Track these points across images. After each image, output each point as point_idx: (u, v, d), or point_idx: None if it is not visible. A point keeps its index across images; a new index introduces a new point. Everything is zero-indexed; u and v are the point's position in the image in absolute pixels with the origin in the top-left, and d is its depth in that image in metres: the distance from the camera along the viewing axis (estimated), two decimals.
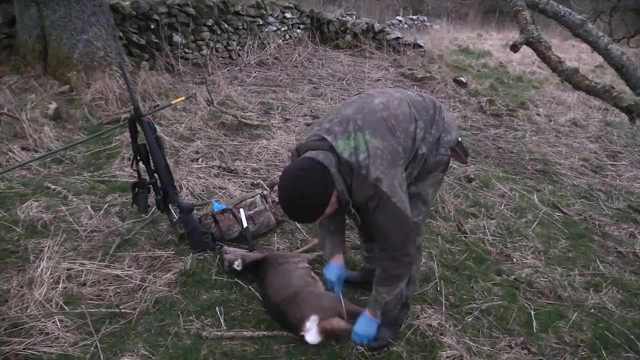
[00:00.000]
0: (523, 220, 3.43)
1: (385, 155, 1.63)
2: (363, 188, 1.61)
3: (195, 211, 2.71)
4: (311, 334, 1.94)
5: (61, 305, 2.07)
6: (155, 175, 2.56)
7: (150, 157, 2.52)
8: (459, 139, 1.90)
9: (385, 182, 1.61)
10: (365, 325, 1.87)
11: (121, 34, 5.32)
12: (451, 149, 1.86)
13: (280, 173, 2.43)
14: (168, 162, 2.59)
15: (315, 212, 1.63)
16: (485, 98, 6.59)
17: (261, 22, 7.46)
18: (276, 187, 3.34)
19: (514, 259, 2.91)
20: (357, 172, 1.61)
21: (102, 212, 2.87)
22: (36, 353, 1.83)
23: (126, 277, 2.31)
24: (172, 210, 2.69)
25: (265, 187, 3.34)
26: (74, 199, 2.97)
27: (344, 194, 1.64)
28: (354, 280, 2.41)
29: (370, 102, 1.75)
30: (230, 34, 6.93)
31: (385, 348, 2.03)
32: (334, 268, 1.96)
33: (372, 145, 1.62)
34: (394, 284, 1.79)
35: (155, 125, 2.69)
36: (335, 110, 1.78)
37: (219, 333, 2.02)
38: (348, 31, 8.71)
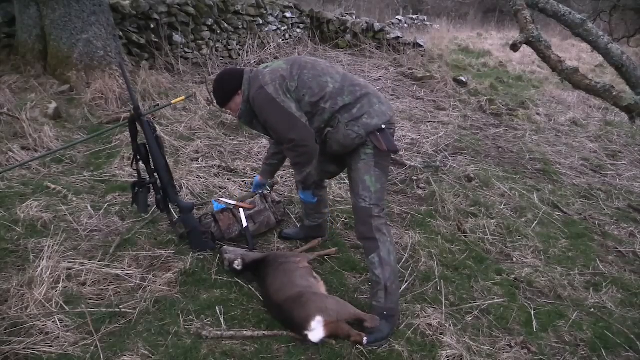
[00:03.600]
0: (523, 219, 3.43)
1: (282, 73, 2.10)
2: (252, 86, 2.15)
3: (195, 211, 2.71)
4: (316, 334, 1.96)
5: (61, 304, 2.07)
6: (155, 174, 2.56)
7: (150, 157, 2.52)
8: (383, 127, 2.10)
9: (271, 87, 2.08)
10: (302, 193, 2.42)
11: (121, 33, 5.31)
12: (368, 133, 2.08)
13: (279, 173, 2.88)
14: (168, 161, 2.58)
15: (223, 96, 2.27)
16: (485, 97, 6.59)
17: (261, 22, 7.46)
18: (276, 187, 3.36)
19: (514, 259, 2.91)
20: (255, 76, 2.17)
21: (102, 211, 2.87)
22: (36, 352, 1.83)
23: (126, 277, 2.32)
24: (172, 210, 2.69)
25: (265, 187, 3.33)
26: (74, 199, 2.97)
27: (245, 95, 2.19)
28: (294, 236, 2.86)
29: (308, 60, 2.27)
30: (230, 33, 6.92)
31: (386, 345, 2.03)
32: (256, 178, 2.80)
33: (278, 64, 2.17)
34: (300, 170, 2.23)
35: (155, 125, 2.69)
36: None
37: (219, 332, 2.02)
38: (348, 31, 8.70)
